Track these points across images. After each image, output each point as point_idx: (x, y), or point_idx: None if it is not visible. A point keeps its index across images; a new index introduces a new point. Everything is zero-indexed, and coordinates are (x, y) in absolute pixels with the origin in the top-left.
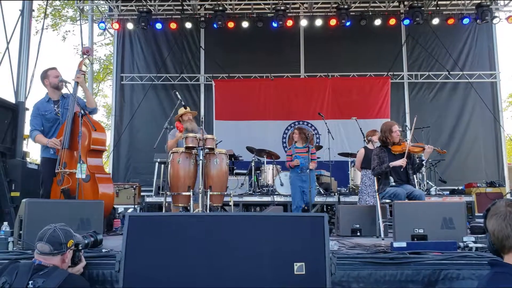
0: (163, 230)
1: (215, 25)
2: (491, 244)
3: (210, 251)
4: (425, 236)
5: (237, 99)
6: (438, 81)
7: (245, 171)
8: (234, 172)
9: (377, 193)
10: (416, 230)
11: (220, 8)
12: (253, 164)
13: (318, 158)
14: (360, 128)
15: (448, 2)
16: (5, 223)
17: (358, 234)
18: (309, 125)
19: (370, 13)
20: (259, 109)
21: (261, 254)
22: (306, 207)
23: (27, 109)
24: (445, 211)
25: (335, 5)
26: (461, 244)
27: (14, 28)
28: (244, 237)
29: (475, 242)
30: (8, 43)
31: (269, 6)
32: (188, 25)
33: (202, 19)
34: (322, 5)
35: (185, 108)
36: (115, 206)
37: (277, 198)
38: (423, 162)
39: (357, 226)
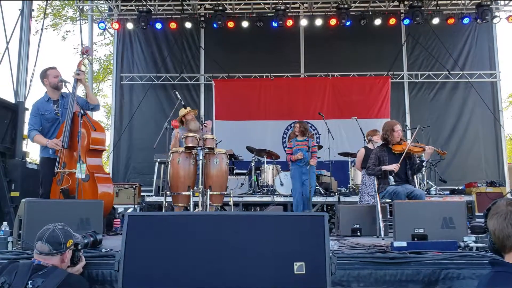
0: (162, 229)
1: (215, 25)
2: (491, 243)
3: (210, 250)
4: (426, 235)
5: (237, 99)
6: (438, 80)
7: (245, 171)
8: (234, 172)
9: (377, 193)
10: (416, 230)
11: (220, 8)
12: (253, 164)
13: (319, 158)
14: (360, 128)
15: (448, 1)
16: (5, 223)
17: (358, 233)
18: (309, 124)
19: (370, 13)
20: (259, 109)
21: (261, 254)
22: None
23: (27, 109)
24: (446, 211)
25: (335, 5)
26: (462, 244)
27: (14, 28)
28: (244, 237)
29: (475, 241)
30: (8, 43)
31: (269, 6)
32: (188, 25)
33: (202, 19)
34: (322, 4)
35: (185, 108)
36: (115, 206)
37: (277, 198)
38: (423, 163)
39: (357, 226)
